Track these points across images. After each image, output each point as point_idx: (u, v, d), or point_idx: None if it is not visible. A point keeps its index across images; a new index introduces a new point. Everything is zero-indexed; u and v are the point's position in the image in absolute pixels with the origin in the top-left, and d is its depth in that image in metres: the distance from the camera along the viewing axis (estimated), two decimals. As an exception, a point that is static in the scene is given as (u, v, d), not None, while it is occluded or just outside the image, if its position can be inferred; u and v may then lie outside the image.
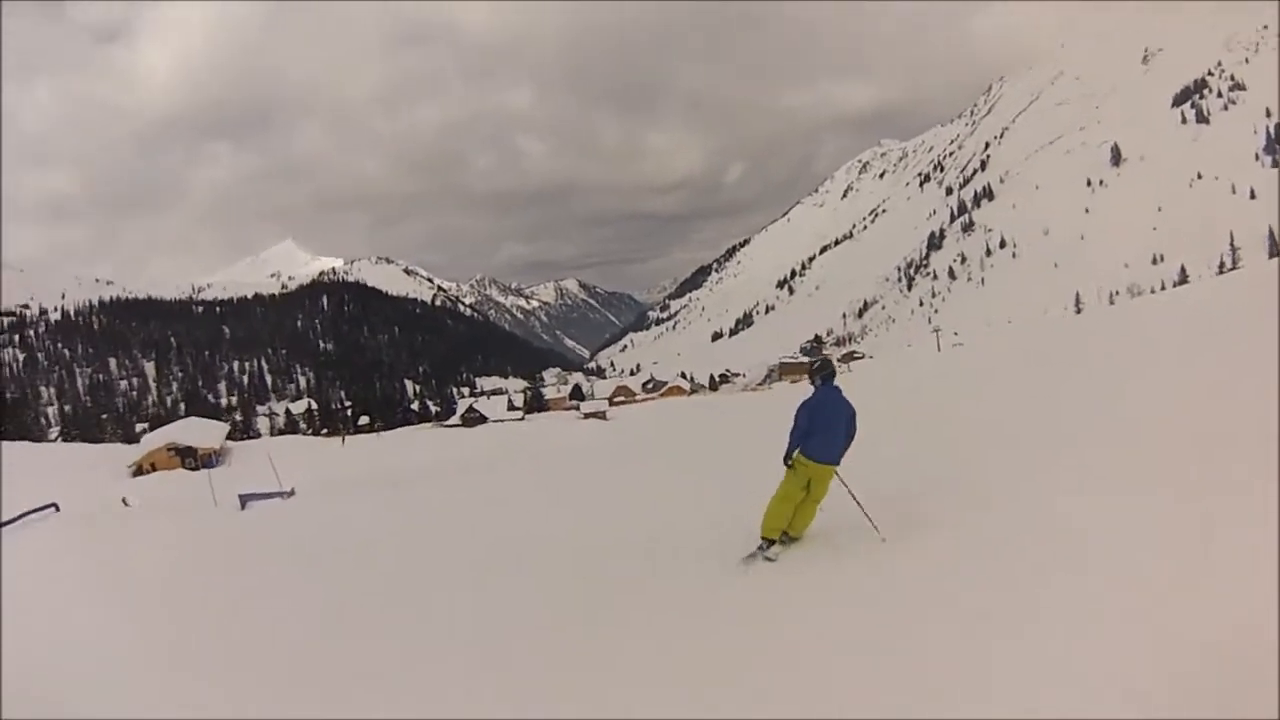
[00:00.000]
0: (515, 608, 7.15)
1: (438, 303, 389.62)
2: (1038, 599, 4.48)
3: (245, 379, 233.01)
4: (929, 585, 5.38)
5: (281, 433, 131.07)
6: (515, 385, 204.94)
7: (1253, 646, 3.32)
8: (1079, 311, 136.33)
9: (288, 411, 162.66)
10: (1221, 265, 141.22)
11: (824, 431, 7.13)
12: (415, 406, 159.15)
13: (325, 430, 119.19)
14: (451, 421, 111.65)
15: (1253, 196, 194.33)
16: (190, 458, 58.78)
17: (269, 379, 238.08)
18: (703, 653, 5.26)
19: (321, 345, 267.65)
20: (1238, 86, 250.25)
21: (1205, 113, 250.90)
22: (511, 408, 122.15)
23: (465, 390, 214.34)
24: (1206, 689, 3.26)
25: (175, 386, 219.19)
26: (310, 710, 5.30)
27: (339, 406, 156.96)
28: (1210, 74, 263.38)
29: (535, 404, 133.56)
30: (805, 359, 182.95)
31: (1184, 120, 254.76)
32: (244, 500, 23.84)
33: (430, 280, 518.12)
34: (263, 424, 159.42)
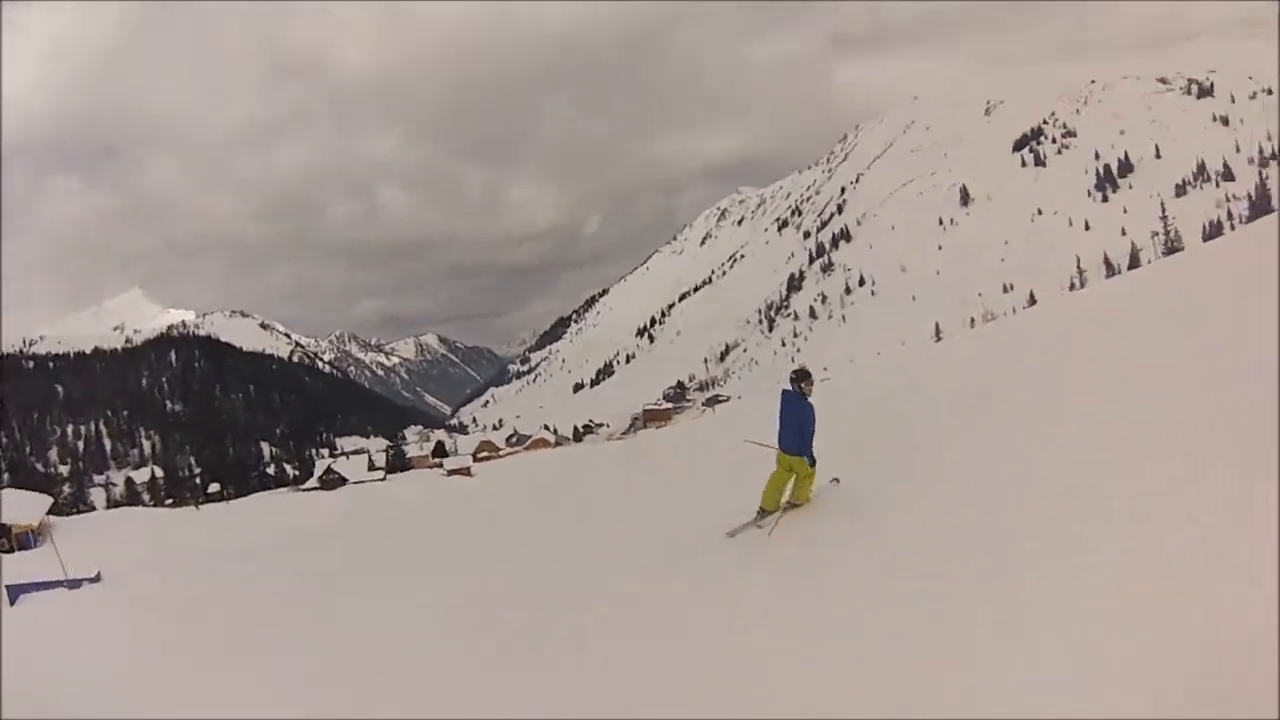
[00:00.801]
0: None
1: (295, 359, 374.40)
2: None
3: (81, 444, 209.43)
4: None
5: (119, 504, 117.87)
6: (377, 445, 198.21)
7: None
8: (938, 340, 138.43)
9: (129, 480, 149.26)
10: (1072, 285, 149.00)
11: (782, 427, 8.76)
12: (271, 470, 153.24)
13: (170, 500, 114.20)
14: (309, 485, 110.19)
15: (1088, 228, 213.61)
16: (4, 537, 48.71)
17: (108, 444, 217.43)
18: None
19: (169, 405, 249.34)
20: (1069, 134, 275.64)
21: (1042, 156, 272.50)
22: (373, 468, 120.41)
23: (325, 451, 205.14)
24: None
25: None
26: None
27: (188, 473, 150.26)
28: (1045, 122, 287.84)
29: (398, 463, 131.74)
30: (668, 405, 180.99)
31: (1024, 164, 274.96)
32: (14, 593, 19.74)
33: (288, 335, 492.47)
34: (99, 495, 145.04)
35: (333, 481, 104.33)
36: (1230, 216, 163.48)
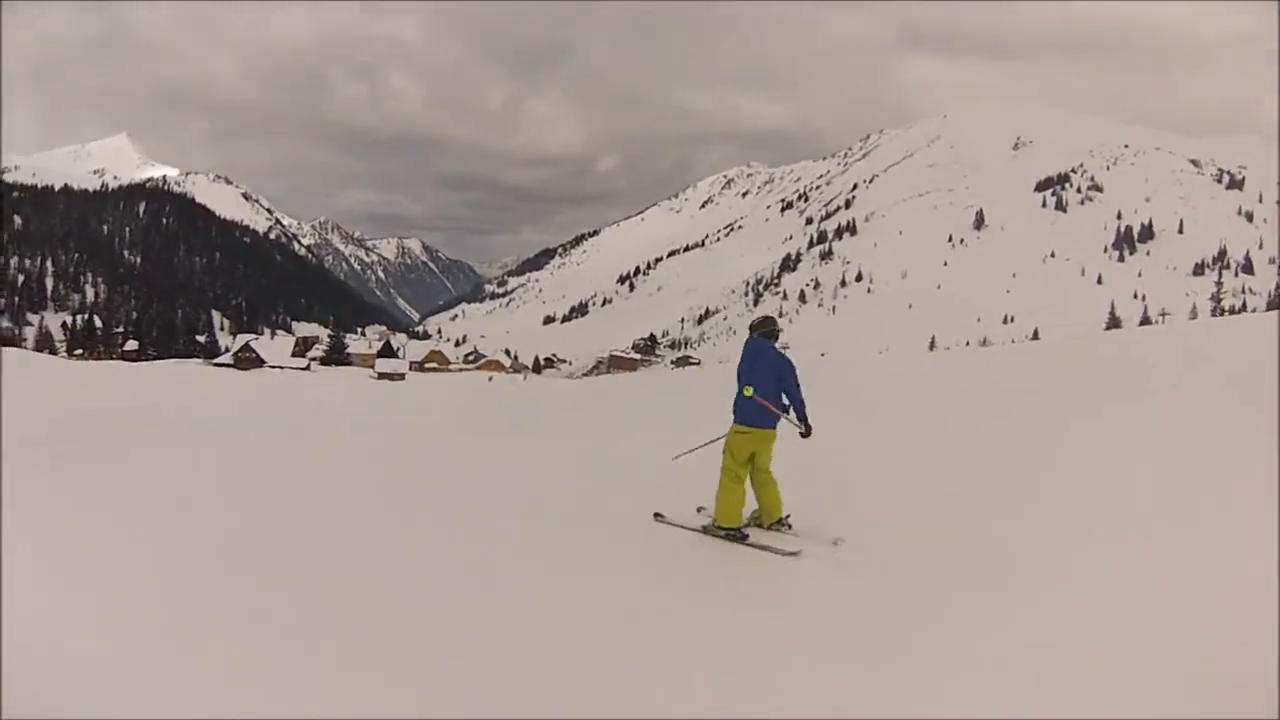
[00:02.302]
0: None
1: (272, 236, 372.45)
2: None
3: (22, 280, 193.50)
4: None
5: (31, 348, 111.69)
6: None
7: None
8: (931, 349, 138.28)
9: (64, 325, 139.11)
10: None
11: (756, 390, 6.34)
12: (203, 340, 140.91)
13: (81, 351, 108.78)
14: (222, 359, 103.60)
15: (1100, 282, 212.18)
16: None
17: (50, 284, 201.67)
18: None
19: (126, 255, 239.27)
20: (1096, 188, 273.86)
21: (1064, 203, 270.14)
22: (300, 354, 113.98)
23: (279, 332, 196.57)
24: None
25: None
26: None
27: (125, 327, 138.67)
28: (1074, 171, 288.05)
29: (336, 355, 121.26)
30: (636, 356, 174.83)
31: (1044, 205, 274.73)
32: None
33: (269, 211, 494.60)
34: (32, 335, 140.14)
35: (248, 361, 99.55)
36: (1245, 307, 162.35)
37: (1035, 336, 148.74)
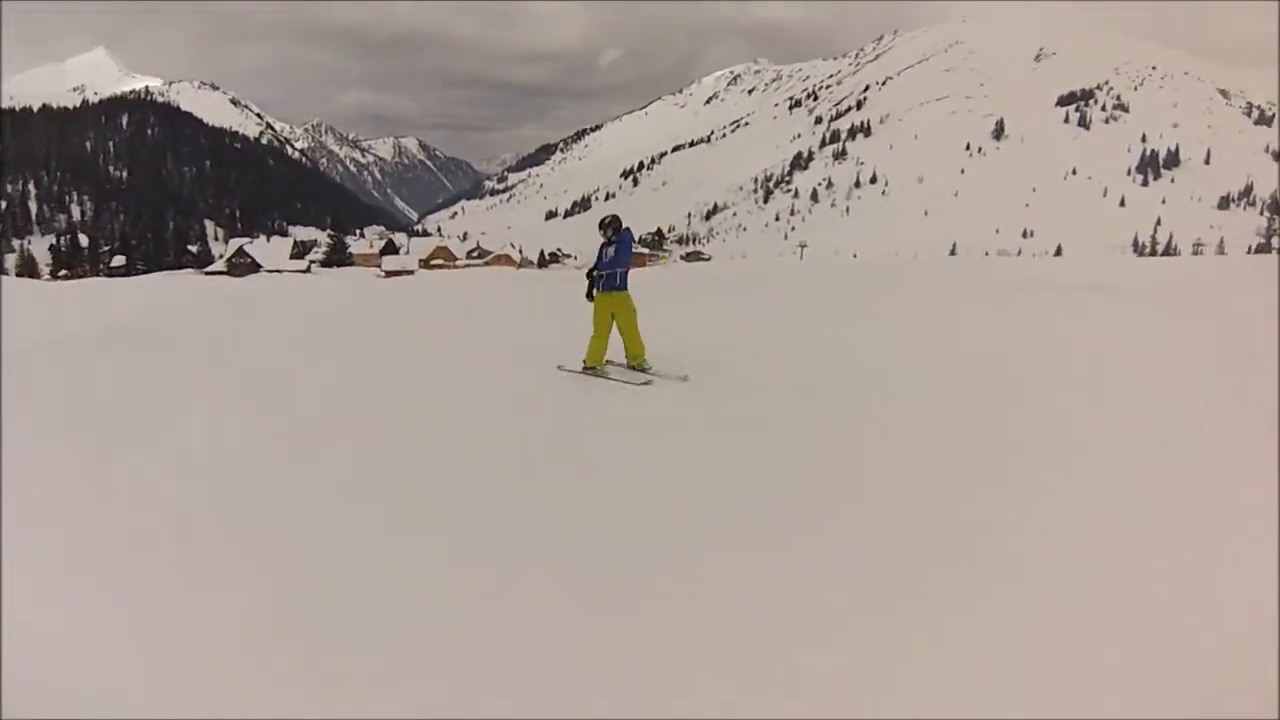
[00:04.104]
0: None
1: (264, 141, 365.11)
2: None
3: (4, 205, 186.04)
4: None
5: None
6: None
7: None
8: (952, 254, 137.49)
9: (50, 248, 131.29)
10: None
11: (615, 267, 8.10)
12: (195, 250, 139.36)
13: (64, 272, 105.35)
14: (215, 267, 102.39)
15: (1123, 204, 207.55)
16: None
17: (34, 207, 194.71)
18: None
19: (111, 171, 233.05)
20: (1121, 107, 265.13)
21: (1087, 119, 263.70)
22: (299, 255, 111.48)
23: (275, 237, 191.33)
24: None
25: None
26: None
27: (111, 243, 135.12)
28: (1098, 88, 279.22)
29: (337, 256, 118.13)
30: (644, 250, 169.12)
31: (1067, 120, 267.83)
32: None
33: (260, 116, 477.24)
34: (13, 262, 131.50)
35: (243, 267, 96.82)
36: (1270, 248, 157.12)
37: (1058, 253, 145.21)
